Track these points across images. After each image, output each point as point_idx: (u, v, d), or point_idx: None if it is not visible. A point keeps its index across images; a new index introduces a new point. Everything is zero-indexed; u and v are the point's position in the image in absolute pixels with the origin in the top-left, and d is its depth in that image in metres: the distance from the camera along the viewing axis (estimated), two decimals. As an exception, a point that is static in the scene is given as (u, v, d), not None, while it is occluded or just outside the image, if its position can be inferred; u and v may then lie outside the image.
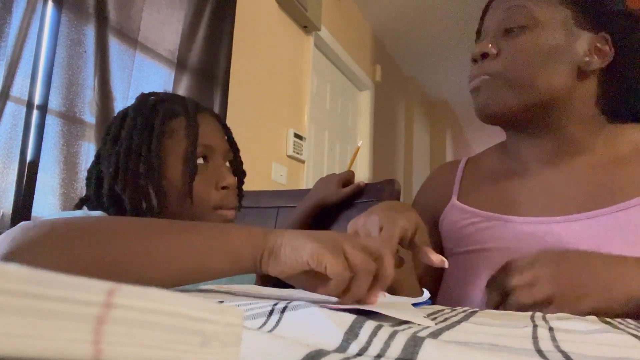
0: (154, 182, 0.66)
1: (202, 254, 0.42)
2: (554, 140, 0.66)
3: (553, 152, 0.67)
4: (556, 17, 0.64)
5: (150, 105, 0.70)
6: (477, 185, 0.74)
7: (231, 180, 0.71)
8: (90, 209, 0.70)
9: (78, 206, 0.72)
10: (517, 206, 0.67)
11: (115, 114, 0.75)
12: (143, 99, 0.73)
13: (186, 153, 0.68)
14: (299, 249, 0.39)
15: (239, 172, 0.80)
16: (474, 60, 0.67)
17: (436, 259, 0.51)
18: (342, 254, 0.38)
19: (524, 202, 0.67)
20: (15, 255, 0.39)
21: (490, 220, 0.67)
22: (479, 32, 0.72)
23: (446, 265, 0.51)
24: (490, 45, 0.65)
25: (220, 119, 0.78)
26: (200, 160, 0.69)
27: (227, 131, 0.78)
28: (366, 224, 0.53)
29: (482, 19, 0.72)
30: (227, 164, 0.76)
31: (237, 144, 0.80)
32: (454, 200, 0.74)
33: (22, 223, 0.43)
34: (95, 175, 0.70)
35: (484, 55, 0.66)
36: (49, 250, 0.40)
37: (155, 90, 0.77)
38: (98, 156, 0.72)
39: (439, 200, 0.77)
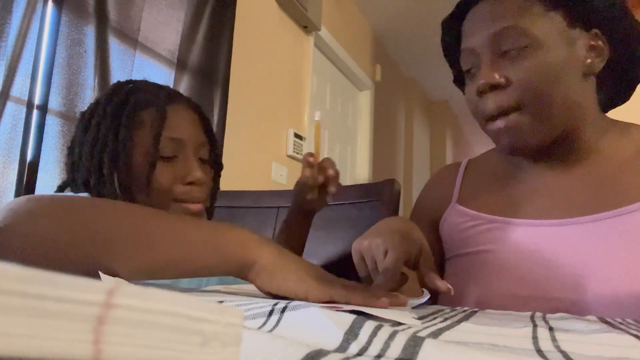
0: (117, 172, 0.66)
1: (193, 244, 0.42)
2: (563, 145, 0.65)
3: (562, 158, 0.65)
4: (551, 28, 0.60)
5: (123, 95, 0.70)
6: (478, 188, 0.73)
7: (198, 175, 0.69)
8: (74, 192, 0.70)
9: (59, 191, 0.72)
10: (518, 208, 0.66)
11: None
12: (117, 87, 0.72)
13: (151, 146, 0.67)
14: (303, 282, 0.40)
15: (216, 165, 0.77)
16: (480, 94, 0.62)
17: (443, 286, 0.50)
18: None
19: (525, 204, 0.66)
20: (13, 225, 0.39)
21: (491, 223, 0.67)
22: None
23: (452, 292, 0.50)
24: (497, 75, 0.60)
25: (199, 110, 0.76)
26: (167, 154, 0.68)
27: (204, 123, 0.76)
28: (371, 248, 0.53)
29: (457, 32, 0.69)
30: (204, 156, 0.73)
31: (214, 135, 0.78)
32: (455, 203, 0.74)
33: (21, 197, 0.43)
34: (70, 161, 0.71)
35: (493, 87, 0.60)
36: (46, 222, 0.40)
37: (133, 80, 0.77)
38: (73, 142, 0.72)
39: (439, 204, 0.76)
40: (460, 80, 0.76)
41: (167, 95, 0.72)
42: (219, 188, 0.79)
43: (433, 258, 0.57)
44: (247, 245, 0.42)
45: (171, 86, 1.72)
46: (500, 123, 0.61)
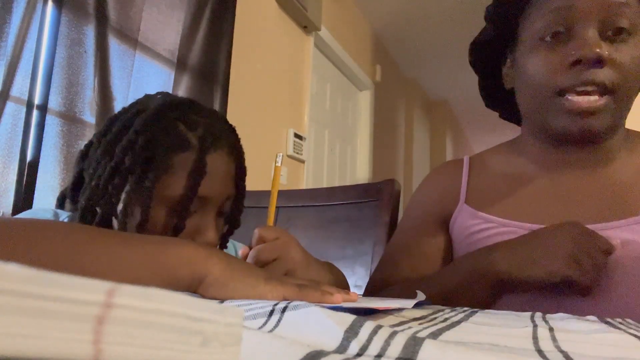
0: (128, 216, 0.58)
1: (134, 269, 0.40)
2: (593, 150, 0.62)
3: (585, 161, 0.63)
4: None
5: (161, 126, 0.59)
6: (487, 188, 0.70)
7: (211, 239, 0.61)
8: (72, 208, 0.64)
9: (59, 201, 0.66)
10: (531, 213, 0.64)
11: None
12: (157, 113, 0.60)
13: (177, 201, 0.58)
14: (255, 287, 0.41)
15: (232, 222, 0.69)
16: (577, 63, 0.56)
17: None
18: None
19: (538, 209, 0.64)
20: None
21: (504, 227, 0.64)
22: (555, 11, 0.58)
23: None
24: (606, 50, 0.54)
25: (239, 155, 0.66)
26: (190, 211, 0.59)
27: (239, 172, 0.66)
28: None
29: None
30: (225, 209, 0.65)
31: (245, 186, 0.68)
32: (463, 203, 0.70)
33: None
34: (77, 171, 0.63)
35: (597, 62, 0.55)
36: None
37: (167, 92, 0.67)
38: (86, 152, 0.63)
39: (446, 202, 0.73)
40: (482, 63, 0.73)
41: (211, 136, 0.60)
42: (227, 240, 0.72)
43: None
44: (193, 261, 0.41)
45: (171, 86, 1.73)
46: (590, 100, 0.56)
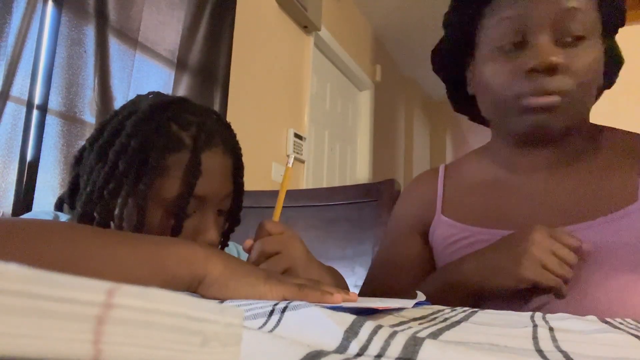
0: (125, 220, 0.57)
1: (133, 269, 0.40)
2: (556, 150, 0.63)
3: (551, 161, 0.64)
4: (597, 24, 0.58)
5: (154, 127, 0.58)
6: (462, 197, 0.70)
7: (213, 238, 0.60)
8: (70, 211, 0.63)
9: (57, 206, 0.65)
10: (507, 219, 0.64)
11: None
12: (152, 111, 0.59)
13: (174, 203, 0.57)
14: (255, 287, 0.41)
15: (232, 220, 0.68)
16: (533, 71, 0.57)
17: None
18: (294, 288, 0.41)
19: (513, 213, 0.64)
20: None
21: (480, 235, 0.64)
22: (507, 19, 0.59)
23: None
24: (560, 57, 0.55)
25: (235, 153, 0.65)
26: (189, 212, 0.58)
27: (236, 170, 0.65)
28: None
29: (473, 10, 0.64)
30: (224, 207, 0.64)
31: (243, 184, 0.67)
32: (440, 214, 0.71)
33: None
34: (73, 176, 0.62)
35: (551, 69, 0.56)
36: None
37: (158, 92, 0.66)
38: (80, 157, 0.62)
39: (424, 214, 0.73)
40: (446, 65, 0.74)
41: (204, 134, 0.59)
42: (229, 238, 0.71)
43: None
44: (192, 261, 0.41)
45: (171, 86, 1.73)
46: (551, 100, 0.57)
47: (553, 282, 0.53)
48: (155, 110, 0.59)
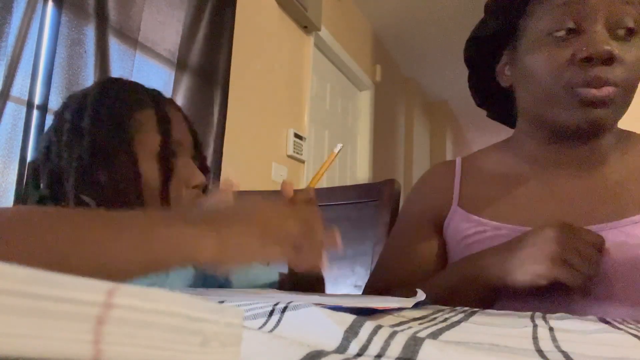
0: (129, 186, 0.59)
1: (124, 262, 0.38)
2: (585, 148, 0.62)
3: (579, 160, 0.63)
4: None
5: (114, 94, 0.63)
6: (480, 190, 0.69)
7: (202, 178, 0.65)
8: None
9: (40, 203, 0.64)
10: (525, 216, 0.63)
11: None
12: (104, 86, 0.65)
13: (158, 150, 0.61)
14: (253, 255, 0.44)
15: (204, 169, 0.72)
16: (587, 60, 0.55)
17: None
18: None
19: (532, 211, 0.63)
20: None
21: (497, 230, 0.63)
22: (566, 4, 0.58)
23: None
24: (616, 49, 0.54)
25: (181, 109, 0.72)
26: (172, 159, 0.63)
27: (189, 124, 0.71)
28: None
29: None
30: (194, 158, 0.69)
31: (198, 136, 0.72)
32: (456, 206, 0.69)
33: None
34: (48, 170, 0.61)
35: (607, 60, 0.54)
36: None
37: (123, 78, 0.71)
38: (47, 148, 0.63)
39: (439, 205, 0.72)
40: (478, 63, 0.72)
41: (159, 93, 0.67)
42: (208, 187, 0.74)
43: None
44: (182, 244, 0.40)
45: (171, 86, 1.73)
46: (608, 92, 0.55)
47: (577, 280, 0.51)
48: (107, 85, 0.66)
